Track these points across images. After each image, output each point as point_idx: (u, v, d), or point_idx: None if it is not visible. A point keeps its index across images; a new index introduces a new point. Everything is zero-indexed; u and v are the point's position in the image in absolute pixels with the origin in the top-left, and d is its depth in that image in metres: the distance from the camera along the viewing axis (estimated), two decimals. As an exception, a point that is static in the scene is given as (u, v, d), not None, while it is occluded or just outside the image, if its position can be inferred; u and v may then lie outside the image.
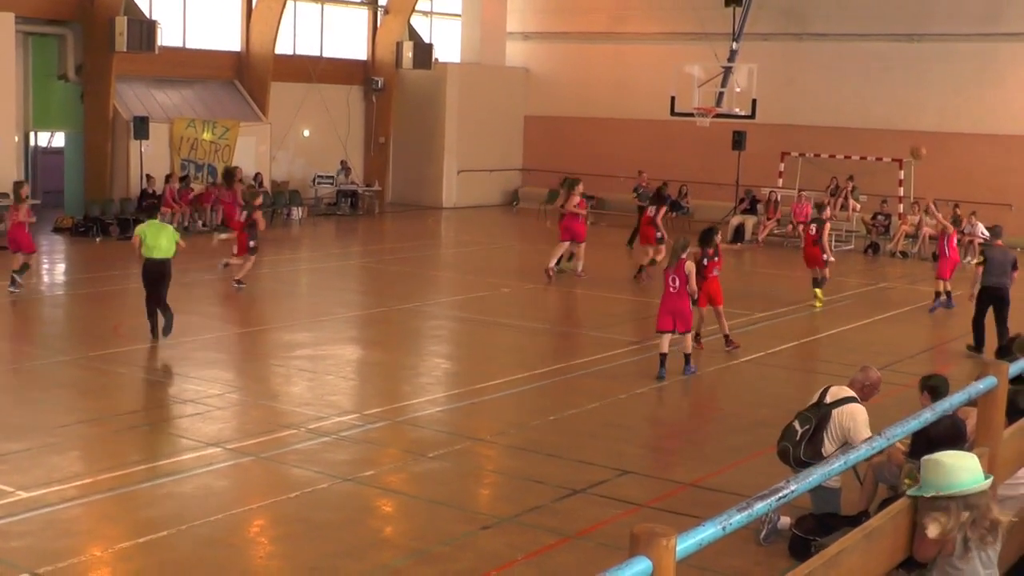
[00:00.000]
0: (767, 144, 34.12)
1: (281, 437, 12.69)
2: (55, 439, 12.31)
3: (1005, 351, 12.05)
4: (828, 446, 9.82)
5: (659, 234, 24.52)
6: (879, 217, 32.04)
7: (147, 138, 30.24)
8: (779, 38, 35.54)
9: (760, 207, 33.23)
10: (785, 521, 9.95)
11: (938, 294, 22.21)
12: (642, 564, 3.59)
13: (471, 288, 23.61)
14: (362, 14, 38.31)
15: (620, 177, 36.26)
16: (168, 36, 31.70)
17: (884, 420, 6.99)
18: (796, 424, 10.06)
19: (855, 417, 9.86)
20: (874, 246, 31.31)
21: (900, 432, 5.66)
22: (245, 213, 22.30)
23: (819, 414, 9.99)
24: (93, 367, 15.73)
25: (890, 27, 33.98)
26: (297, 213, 34.03)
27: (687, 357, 16.16)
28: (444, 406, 14.54)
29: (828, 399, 10.09)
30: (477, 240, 32.23)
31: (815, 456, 9.60)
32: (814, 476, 4.71)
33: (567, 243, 24.42)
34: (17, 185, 21.86)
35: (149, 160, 30.47)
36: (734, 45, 32.96)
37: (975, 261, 19.08)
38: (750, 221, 32.99)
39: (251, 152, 33.44)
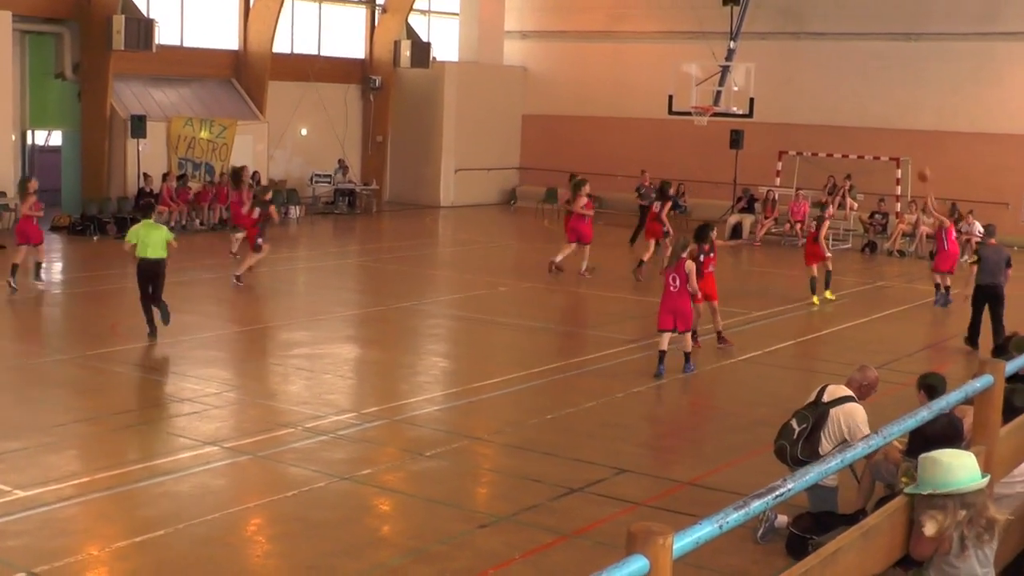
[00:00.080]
0: (765, 143, 34.13)
1: (278, 436, 12.69)
2: (52, 438, 12.31)
3: (1001, 350, 12.06)
4: (826, 445, 9.83)
5: (665, 228, 24.83)
6: (876, 216, 32.05)
7: (144, 137, 30.22)
8: (777, 37, 35.55)
9: (758, 206, 33.24)
10: (782, 519, 9.95)
11: (938, 287, 22.38)
12: (639, 562, 3.59)
13: (469, 287, 23.61)
14: (360, 13, 38.30)
15: (618, 176, 36.26)
16: (166, 35, 31.67)
17: (881, 418, 7.00)
18: (793, 423, 10.07)
19: (854, 416, 9.87)
20: (871, 245, 31.31)
21: (897, 430, 5.66)
22: (258, 210, 22.58)
23: (817, 413, 9.99)
24: (90, 366, 15.73)
25: (888, 26, 33.99)
26: (295, 212, 34.03)
27: (687, 356, 16.18)
28: (442, 405, 14.54)
29: (826, 398, 10.09)
30: (475, 239, 32.23)
31: (812, 455, 9.60)
32: (811, 475, 4.71)
33: (575, 244, 24.49)
34: (25, 179, 22.49)
35: (146, 159, 30.45)
36: (732, 44, 32.94)
37: (969, 261, 19.12)
38: (748, 220, 33.00)
39: (248, 151, 33.41)
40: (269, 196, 23.32)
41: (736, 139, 33.85)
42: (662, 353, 15.94)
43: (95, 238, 28.23)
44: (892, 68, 33.98)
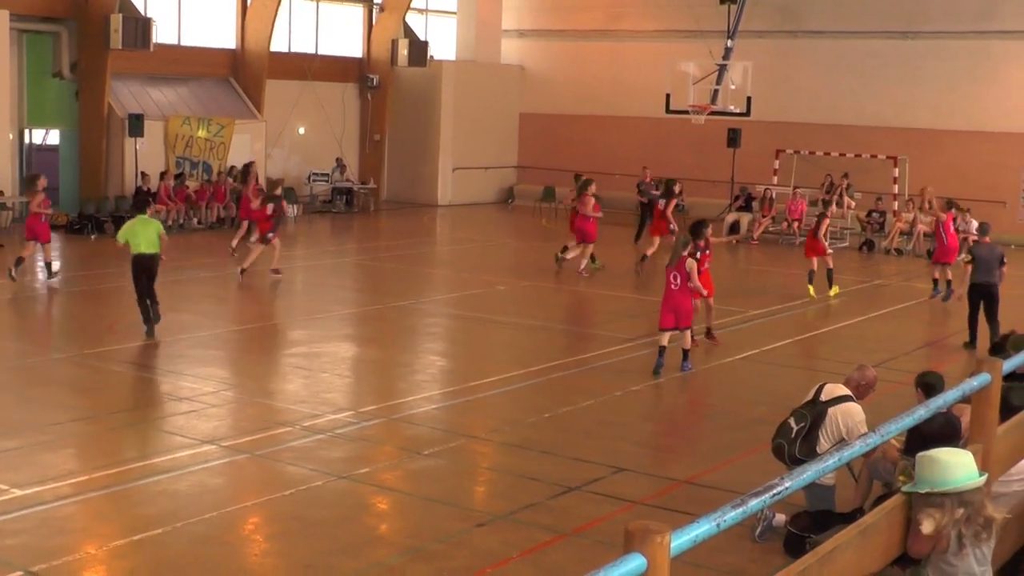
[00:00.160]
0: (762, 141, 34.14)
1: (276, 434, 12.69)
2: (49, 436, 12.31)
3: (999, 348, 12.06)
4: (824, 444, 9.83)
5: (671, 226, 24.99)
6: (874, 214, 32.06)
7: (142, 135, 30.21)
8: (774, 36, 35.56)
9: (755, 204, 33.25)
10: (780, 518, 9.96)
11: (936, 282, 22.55)
12: (637, 561, 3.59)
13: (466, 285, 23.61)
14: (357, 11, 38.29)
15: (616, 175, 36.26)
16: (163, 33, 31.67)
17: (879, 417, 7.00)
18: (791, 421, 10.07)
19: (852, 415, 9.87)
20: (869, 243, 31.32)
21: (894, 429, 5.67)
22: (271, 205, 22.81)
23: (814, 412, 10.00)
24: (88, 364, 15.72)
25: (884, 24, 34.01)
26: (292, 210, 34.00)
27: (685, 353, 16.18)
28: (439, 403, 14.54)
29: (823, 397, 10.09)
30: (472, 237, 32.23)
31: (810, 454, 9.61)
32: (808, 473, 4.71)
33: (583, 244, 24.62)
34: (33, 177, 22.78)
35: (144, 157, 30.43)
36: (729, 43, 32.94)
37: (964, 260, 19.18)
38: (745, 218, 33.02)
39: (246, 150, 33.38)
40: (279, 191, 23.59)
41: (733, 138, 33.85)
42: (662, 348, 16.02)
43: (93, 237, 28.22)
44: (889, 66, 34.00)
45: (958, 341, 18.66)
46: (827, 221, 23.42)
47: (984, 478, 5.34)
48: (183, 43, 33.30)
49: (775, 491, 4.36)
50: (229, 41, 34.52)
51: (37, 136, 34.49)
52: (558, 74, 40.23)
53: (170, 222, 29.91)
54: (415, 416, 13.76)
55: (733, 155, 34.15)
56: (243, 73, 34.44)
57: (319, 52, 37.01)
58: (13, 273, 21.07)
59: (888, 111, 33.90)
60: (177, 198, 30.49)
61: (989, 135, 32.48)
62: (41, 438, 12.22)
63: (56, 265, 22.01)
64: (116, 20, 29.25)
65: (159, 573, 9.10)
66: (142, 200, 19.21)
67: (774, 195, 32.74)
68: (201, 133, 32.33)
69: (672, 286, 15.83)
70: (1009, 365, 7.09)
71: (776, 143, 34.17)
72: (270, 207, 22.90)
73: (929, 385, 9.81)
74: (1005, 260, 18.41)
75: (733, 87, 32.27)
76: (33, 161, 32.32)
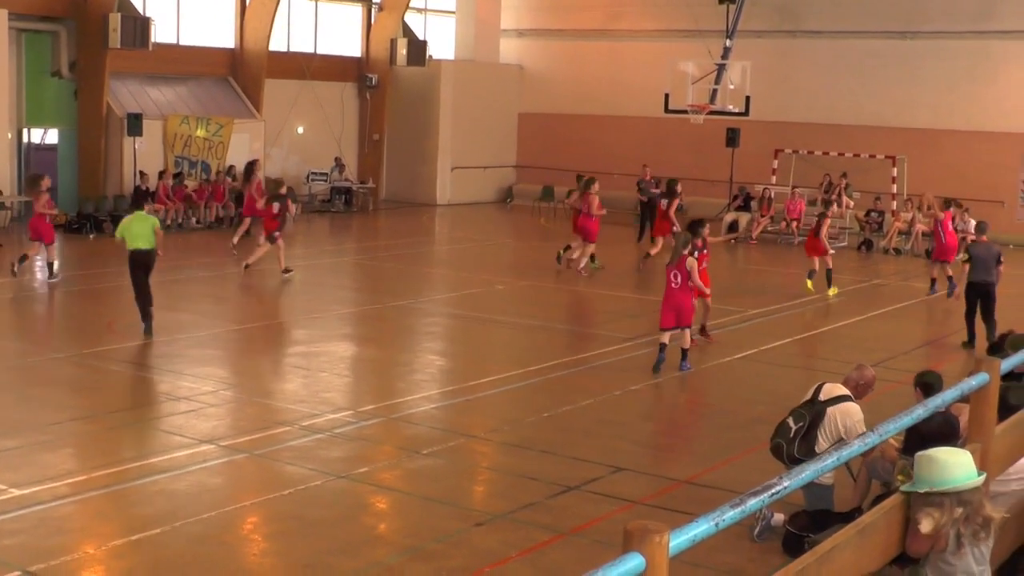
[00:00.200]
0: (761, 141, 34.15)
1: (275, 434, 12.68)
2: (48, 436, 12.30)
3: (997, 348, 12.07)
4: (822, 443, 9.83)
5: (674, 227, 25.14)
6: (872, 214, 32.07)
7: (141, 135, 30.20)
8: (773, 35, 35.58)
9: (754, 204, 33.25)
10: (779, 518, 9.96)
11: (934, 281, 22.66)
12: (635, 560, 3.59)
13: (465, 285, 23.61)
14: (356, 11, 38.29)
15: (615, 174, 36.26)
16: (162, 33, 31.68)
17: (878, 416, 7.00)
18: (790, 421, 10.07)
19: (851, 415, 9.87)
20: (867, 243, 31.33)
21: (893, 428, 5.67)
22: (277, 204, 22.83)
23: (813, 411, 9.99)
24: (86, 364, 15.72)
25: (883, 24, 34.03)
26: (295, 210, 33.97)
27: (684, 352, 16.19)
28: (438, 403, 14.54)
29: (822, 396, 10.09)
30: (471, 237, 32.23)
31: (809, 453, 9.61)
32: (807, 472, 4.72)
33: (590, 244, 24.68)
34: (37, 177, 22.84)
35: (143, 157, 30.43)
36: (728, 42, 32.95)
37: (962, 259, 19.22)
38: (744, 218, 33.01)
39: (245, 149, 33.37)
40: (284, 189, 23.56)
41: (732, 137, 33.86)
42: (663, 345, 16.09)
43: (91, 236, 28.22)
44: (888, 66, 34.02)
45: (957, 340, 18.68)
46: (828, 221, 23.61)
47: (983, 478, 5.34)
48: (182, 42, 33.30)
49: (774, 491, 4.36)
50: (228, 40, 34.52)
51: (36, 135, 34.48)
52: (557, 74, 40.24)
53: (169, 221, 29.92)
54: (414, 416, 13.76)
55: (732, 155, 34.15)
56: (242, 72, 34.44)
57: (318, 52, 37.02)
58: (16, 269, 21.26)
59: (887, 111, 33.92)
60: (176, 197, 30.48)
61: (988, 135, 32.50)
62: (40, 438, 12.21)
63: (56, 265, 22.05)
64: (115, 19, 29.25)
65: (157, 573, 9.10)
66: (139, 196, 19.40)
67: (773, 195, 32.75)
68: (200, 132, 32.32)
69: (672, 285, 15.87)
70: (1007, 364, 7.10)
71: (775, 143, 34.18)
72: (276, 206, 22.93)
73: (928, 384, 9.82)
74: (1002, 259, 18.45)
75: (732, 87, 32.28)
76: (31, 160, 32.30)
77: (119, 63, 30.54)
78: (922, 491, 5.24)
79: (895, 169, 32.61)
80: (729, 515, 4.06)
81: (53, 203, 22.36)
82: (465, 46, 39.92)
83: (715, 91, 32.48)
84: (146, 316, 17.41)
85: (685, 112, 32.32)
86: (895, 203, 32.22)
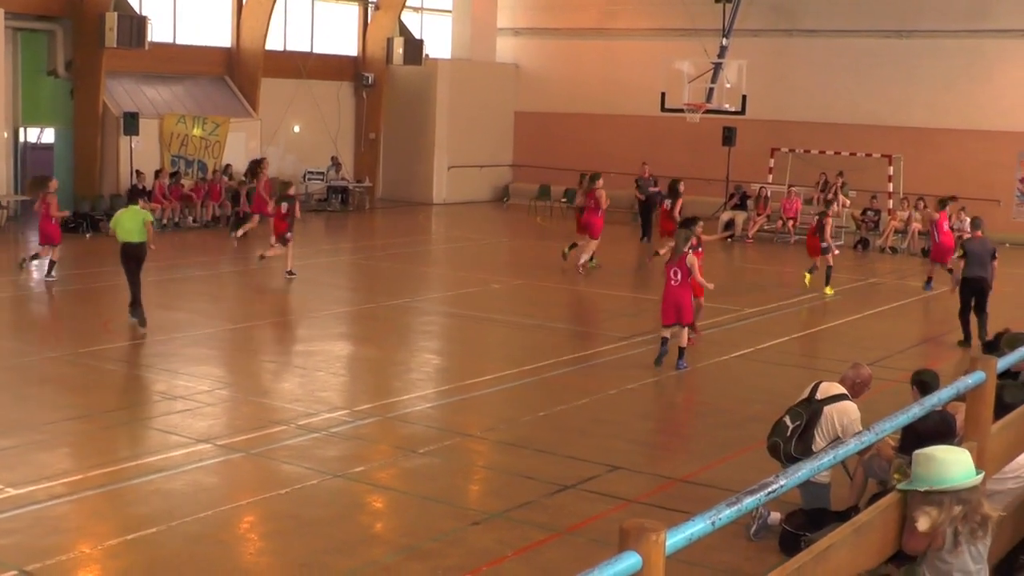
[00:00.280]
0: (757, 140, 34.17)
1: (271, 433, 12.68)
2: (44, 435, 12.29)
3: (993, 346, 12.07)
4: (819, 442, 9.82)
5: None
6: (869, 213, 32.07)
7: (137, 134, 30.19)
8: (769, 34, 35.59)
9: (750, 203, 33.26)
10: (775, 516, 9.96)
11: (929, 279, 22.82)
12: (631, 559, 3.59)
13: (461, 284, 23.61)
14: (353, 10, 38.28)
15: (611, 173, 36.19)
16: (158, 32, 31.65)
17: (874, 415, 7.00)
18: (787, 420, 10.07)
19: (848, 414, 9.86)
20: (864, 242, 31.35)
21: (889, 427, 5.67)
22: (285, 204, 22.81)
23: (810, 410, 9.99)
24: (82, 363, 15.70)
25: (879, 23, 34.05)
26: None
27: (681, 351, 16.21)
28: (434, 402, 14.53)
29: (819, 395, 10.09)
30: (467, 236, 32.22)
31: (806, 452, 9.60)
32: (803, 471, 4.71)
33: (594, 240, 24.75)
34: (45, 178, 23.21)
35: (139, 156, 30.42)
36: (724, 41, 32.95)
37: (957, 255, 19.27)
38: (740, 217, 33.01)
39: (241, 148, 33.38)
40: (293, 190, 23.55)
41: (729, 136, 33.89)
42: (664, 339, 16.22)
43: (88, 235, 28.19)
44: (884, 65, 34.04)
45: (953, 339, 18.70)
46: (830, 220, 23.98)
47: (981, 476, 5.34)
48: (178, 41, 33.28)
49: (770, 489, 4.36)
50: (224, 39, 34.50)
51: (32, 135, 34.49)
52: (553, 72, 40.24)
53: (165, 220, 29.94)
54: (410, 415, 13.75)
55: (728, 153, 34.17)
56: (238, 71, 34.43)
57: (314, 50, 37.00)
58: (25, 264, 21.79)
59: (883, 110, 33.93)
60: (172, 196, 30.46)
61: (983, 133, 32.52)
62: (35, 437, 12.20)
63: (55, 266, 22.05)
64: (111, 18, 29.23)
65: (153, 572, 9.09)
66: (135, 192, 19.73)
67: (769, 193, 32.76)
68: (196, 132, 32.31)
69: (672, 282, 15.93)
70: (1003, 363, 7.10)
71: (771, 141, 34.20)
72: (284, 206, 22.90)
73: (924, 383, 9.82)
74: (997, 254, 18.50)
75: (728, 85, 32.27)
76: (28, 160, 32.30)
77: (115, 62, 30.52)
78: (922, 490, 5.23)
79: (891, 168, 32.64)
80: (725, 514, 4.06)
81: (57, 206, 22.43)
82: (461, 45, 39.91)
83: (711, 90, 32.47)
84: (137, 306, 17.78)
85: (681, 111, 32.31)
86: (891, 202, 32.24)
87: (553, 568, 9.34)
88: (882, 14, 33.97)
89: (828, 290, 22.76)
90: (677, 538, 3.81)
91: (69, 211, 26.13)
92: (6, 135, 29.51)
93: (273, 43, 35.03)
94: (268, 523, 10.22)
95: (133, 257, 18.14)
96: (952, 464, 5.24)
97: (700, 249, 17.86)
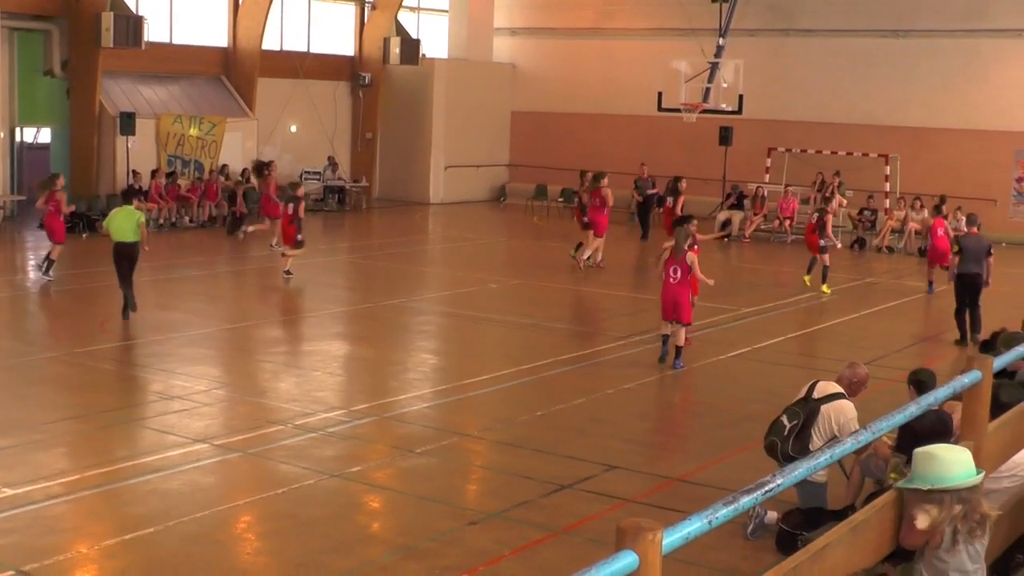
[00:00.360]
0: (754, 140, 34.19)
1: (268, 433, 12.68)
2: (41, 435, 12.29)
3: (989, 345, 12.08)
4: (816, 441, 9.83)
5: None
6: (865, 212, 32.09)
7: (133, 134, 30.17)
8: (766, 34, 35.59)
9: (747, 203, 33.27)
10: (772, 516, 9.97)
11: (931, 283, 22.96)
12: (628, 558, 3.59)
13: (458, 283, 23.61)
14: (349, 10, 38.26)
15: (608, 173, 36.12)
16: (155, 32, 31.62)
17: (871, 414, 7.01)
18: (784, 419, 10.07)
19: (845, 413, 9.87)
20: (860, 241, 31.37)
21: (885, 426, 5.67)
22: (292, 205, 22.86)
23: (807, 409, 10.00)
24: (79, 363, 15.70)
25: (876, 23, 34.06)
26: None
27: (678, 350, 16.24)
28: (431, 402, 14.53)
29: (816, 395, 10.09)
30: (464, 236, 32.22)
31: (803, 451, 9.60)
32: (800, 470, 4.72)
33: (598, 238, 24.83)
34: (52, 176, 23.34)
35: (136, 156, 30.39)
36: (721, 41, 32.97)
37: (952, 251, 19.31)
38: (737, 216, 33.02)
39: (238, 148, 33.38)
40: (301, 191, 23.54)
41: (725, 136, 33.89)
42: (665, 337, 16.29)
43: (84, 235, 28.17)
44: (881, 65, 34.05)
45: (949, 338, 18.72)
46: (830, 218, 24.32)
47: (982, 476, 5.33)
48: (175, 41, 33.27)
49: (767, 488, 4.36)
50: (221, 39, 34.48)
51: (28, 134, 34.47)
52: (550, 72, 40.23)
53: (162, 220, 29.94)
54: (407, 414, 13.75)
55: (725, 153, 34.18)
56: (235, 71, 34.41)
57: (311, 50, 36.98)
58: (45, 269, 21.84)
59: (879, 109, 33.94)
60: (169, 196, 30.45)
61: (980, 133, 32.53)
62: (32, 437, 12.19)
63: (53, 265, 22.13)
64: (107, 18, 29.21)
65: (151, 572, 9.09)
66: (129, 192, 19.83)
67: (766, 193, 32.78)
68: (193, 131, 32.30)
69: (671, 280, 15.96)
70: (999, 362, 7.10)
71: (768, 141, 34.22)
72: (290, 207, 22.93)
73: (921, 382, 9.84)
74: (992, 251, 18.54)
75: (725, 85, 32.29)
76: (24, 160, 32.28)
77: (112, 62, 30.50)
78: (924, 488, 5.22)
79: (888, 167, 32.67)
80: (722, 513, 4.06)
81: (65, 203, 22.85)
82: (458, 45, 39.91)
83: (708, 90, 32.48)
84: (127, 300, 18.15)
85: (678, 111, 32.32)
86: (888, 201, 32.28)
87: (550, 567, 9.34)
88: (879, 14, 33.98)
89: (825, 288, 22.81)
90: (674, 537, 3.81)
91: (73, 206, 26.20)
92: (2, 135, 29.50)
93: (269, 43, 35.01)
94: (265, 523, 10.22)
95: (126, 257, 18.32)
96: (954, 463, 5.23)
97: (696, 247, 17.89)
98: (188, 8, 33.67)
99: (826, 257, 23.03)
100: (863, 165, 33.03)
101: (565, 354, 17.18)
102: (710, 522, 3.99)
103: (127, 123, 29.94)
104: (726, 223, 32.70)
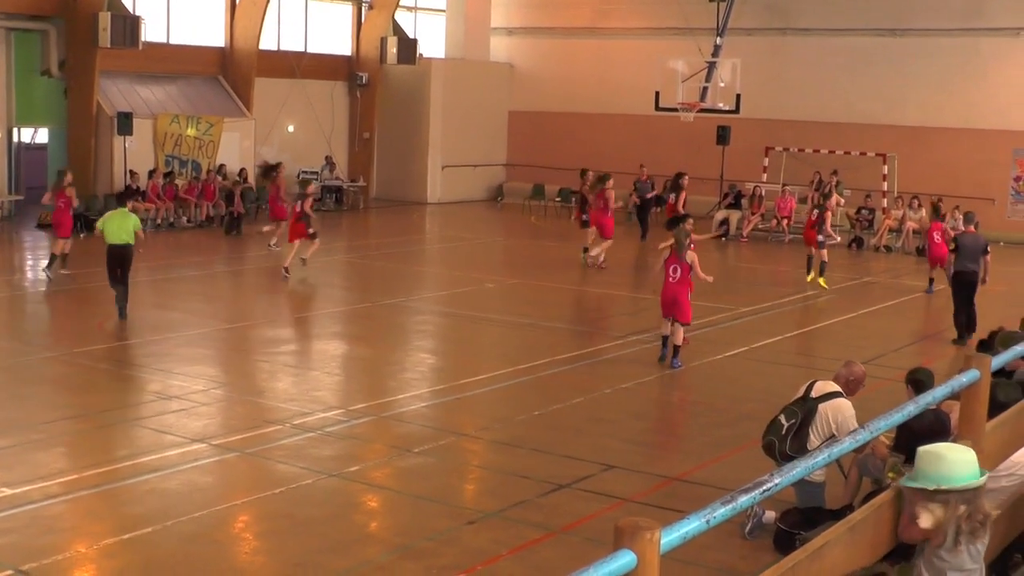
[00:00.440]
0: (751, 139, 34.19)
1: (266, 433, 12.67)
2: (39, 435, 12.28)
3: (987, 345, 12.10)
4: (814, 440, 9.84)
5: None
6: (863, 212, 32.11)
7: (131, 134, 30.15)
8: (763, 33, 35.60)
9: (744, 202, 33.27)
10: (770, 515, 9.97)
11: (931, 281, 23.14)
12: (626, 557, 3.60)
13: (456, 283, 23.61)
14: (346, 9, 38.26)
15: (607, 173, 36.24)
16: (152, 32, 31.60)
17: (869, 414, 7.01)
18: (782, 418, 10.08)
19: (842, 412, 9.88)
20: (858, 240, 31.38)
21: (884, 425, 5.68)
22: (299, 202, 23.20)
23: (805, 408, 10.00)
24: (78, 363, 15.69)
25: (873, 22, 34.06)
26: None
27: (676, 350, 16.25)
28: (429, 401, 14.53)
29: (814, 394, 10.10)
30: (462, 235, 32.22)
31: (801, 450, 9.61)
32: (797, 469, 4.72)
33: (607, 240, 24.91)
34: (60, 173, 23.74)
35: (133, 156, 30.38)
36: (718, 40, 32.95)
37: (949, 248, 19.34)
38: (735, 216, 33.04)
39: (235, 148, 33.36)
40: (311, 189, 23.96)
41: (723, 135, 33.90)
42: (665, 338, 16.33)
43: (82, 235, 28.11)
44: (878, 64, 34.04)
45: (947, 337, 18.72)
46: (829, 215, 24.58)
47: (986, 476, 5.33)
48: (172, 41, 33.25)
49: (765, 488, 4.37)
50: (218, 39, 34.47)
51: (26, 135, 34.44)
52: (547, 72, 40.22)
53: (159, 220, 29.93)
54: (405, 414, 13.75)
55: (722, 152, 34.18)
56: (232, 71, 34.40)
57: (308, 50, 36.97)
58: (63, 269, 22.01)
59: (877, 108, 33.95)
60: (166, 196, 30.44)
61: (978, 132, 32.53)
62: (31, 436, 12.19)
63: (55, 263, 22.20)
64: (104, 18, 29.19)
65: (149, 572, 9.09)
66: (123, 194, 19.97)
67: (763, 192, 32.78)
68: (190, 131, 32.29)
69: (671, 279, 15.98)
70: (997, 362, 7.11)
71: (765, 140, 34.22)
72: (298, 204, 23.28)
73: (919, 382, 9.84)
74: (989, 249, 18.56)
75: (722, 84, 32.29)
76: (22, 160, 32.26)
77: (109, 62, 30.49)
78: (931, 488, 5.21)
79: (885, 167, 32.69)
80: (720, 512, 4.06)
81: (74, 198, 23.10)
82: (455, 44, 39.90)
83: (705, 89, 32.47)
84: (120, 302, 18.31)
85: (675, 110, 32.32)
86: (886, 201, 32.29)
87: (548, 567, 9.34)
88: (876, 13, 33.98)
89: (821, 281, 22.94)
90: (672, 536, 3.82)
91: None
92: (0, 135, 29.46)
93: (267, 43, 35.00)
94: (263, 522, 10.22)
95: (119, 259, 18.38)
96: (961, 464, 5.23)
97: (692, 246, 17.91)
98: (185, 8, 33.66)
99: (824, 252, 23.16)
100: (861, 164, 33.04)
101: (563, 353, 17.18)
102: (708, 521, 4.00)
103: (124, 123, 29.93)
104: (724, 222, 32.71)
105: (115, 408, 13.84)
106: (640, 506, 10.62)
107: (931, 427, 8.77)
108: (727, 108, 32.00)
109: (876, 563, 5.43)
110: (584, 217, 25.76)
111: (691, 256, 16.03)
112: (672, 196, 26.36)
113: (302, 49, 36.83)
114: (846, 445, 5.40)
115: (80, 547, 9.40)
